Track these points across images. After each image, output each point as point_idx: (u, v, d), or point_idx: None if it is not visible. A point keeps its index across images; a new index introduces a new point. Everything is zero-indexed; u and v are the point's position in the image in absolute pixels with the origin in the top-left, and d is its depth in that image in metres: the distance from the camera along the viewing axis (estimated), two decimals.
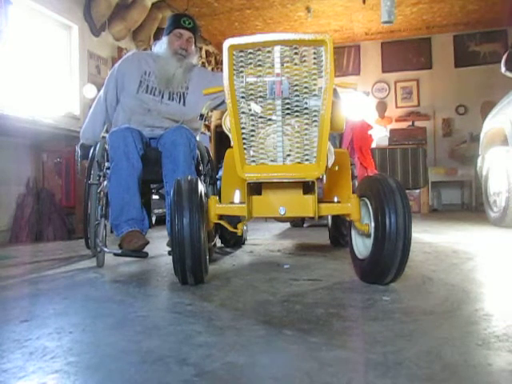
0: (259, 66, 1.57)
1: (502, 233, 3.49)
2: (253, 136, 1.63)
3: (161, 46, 2.40)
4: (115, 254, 2.02)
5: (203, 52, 7.15)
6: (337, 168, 2.20)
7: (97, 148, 2.23)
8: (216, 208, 1.75)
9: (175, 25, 2.36)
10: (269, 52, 1.55)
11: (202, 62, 7.14)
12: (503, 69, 4.00)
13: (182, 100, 2.36)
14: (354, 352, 0.96)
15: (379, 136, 6.88)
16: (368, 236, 1.61)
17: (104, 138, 2.30)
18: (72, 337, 1.08)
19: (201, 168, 2.35)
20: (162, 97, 2.33)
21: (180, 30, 2.35)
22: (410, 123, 7.48)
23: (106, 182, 2.17)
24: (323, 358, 0.90)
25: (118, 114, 2.40)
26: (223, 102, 2.37)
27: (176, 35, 2.35)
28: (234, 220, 2.02)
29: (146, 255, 2.01)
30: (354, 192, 1.90)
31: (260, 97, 1.59)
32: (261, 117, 1.62)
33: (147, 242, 2.01)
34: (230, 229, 1.82)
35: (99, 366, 0.90)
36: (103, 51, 4.92)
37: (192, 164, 2.14)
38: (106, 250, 2.05)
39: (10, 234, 3.58)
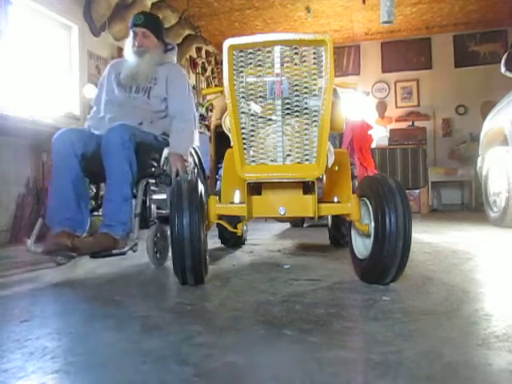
0: (259, 65, 1.57)
1: (501, 233, 3.48)
2: (253, 136, 1.63)
3: (126, 49, 2.50)
4: (41, 253, 1.89)
5: (203, 52, 7.14)
6: (337, 168, 2.20)
7: None
8: (216, 208, 1.75)
9: (131, 25, 2.45)
10: (269, 52, 1.55)
11: (202, 62, 7.14)
12: (503, 69, 4.00)
13: (146, 93, 2.40)
14: (354, 352, 0.96)
15: (379, 136, 6.87)
16: (368, 236, 1.61)
17: None
18: (72, 337, 1.08)
19: (153, 169, 2.20)
20: (130, 90, 2.41)
21: (134, 29, 2.42)
22: (410, 123, 7.47)
23: None
24: (323, 358, 0.90)
25: (98, 110, 2.48)
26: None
27: (133, 35, 2.43)
28: (234, 220, 2.02)
29: (68, 258, 1.92)
30: (354, 192, 1.90)
31: (260, 97, 1.59)
32: (261, 117, 1.62)
33: (69, 245, 1.83)
34: (230, 229, 1.82)
35: (99, 365, 0.89)
36: (103, 51, 4.91)
37: (125, 164, 2.02)
38: (32, 248, 1.96)
39: (9, 233, 3.57)
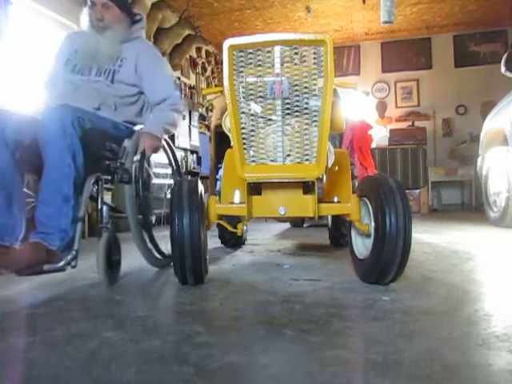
0: (259, 65, 1.57)
1: (501, 233, 3.48)
2: (253, 136, 1.63)
3: (83, 20, 2.08)
4: None
5: (203, 52, 7.15)
6: (337, 168, 2.20)
7: None
8: (216, 208, 1.75)
9: None
10: (269, 52, 1.55)
11: (202, 62, 7.14)
12: (503, 69, 4.00)
13: (110, 77, 2.00)
14: (354, 352, 0.96)
15: (379, 136, 6.87)
16: (368, 236, 1.61)
17: None
18: (71, 337, 1.08)
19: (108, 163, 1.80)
20: (90, 73, 2.01)
21: None
22: (410, 123, 7.48)
23: None
24: (323, 358, 0.90)
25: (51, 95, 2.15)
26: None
27: (90, 4, 2.02)
28: (234, 220, 2.01)
29: None
30: (354, 192, 1.90)
31: (260, 97, 1.59)
32: (261, 117, 1.62)
33: None
34: (230, 229, 1.82)
35: (99, 365, 0.89)
36: None
37: (66, 154, 1.59)
38: None
39: None
